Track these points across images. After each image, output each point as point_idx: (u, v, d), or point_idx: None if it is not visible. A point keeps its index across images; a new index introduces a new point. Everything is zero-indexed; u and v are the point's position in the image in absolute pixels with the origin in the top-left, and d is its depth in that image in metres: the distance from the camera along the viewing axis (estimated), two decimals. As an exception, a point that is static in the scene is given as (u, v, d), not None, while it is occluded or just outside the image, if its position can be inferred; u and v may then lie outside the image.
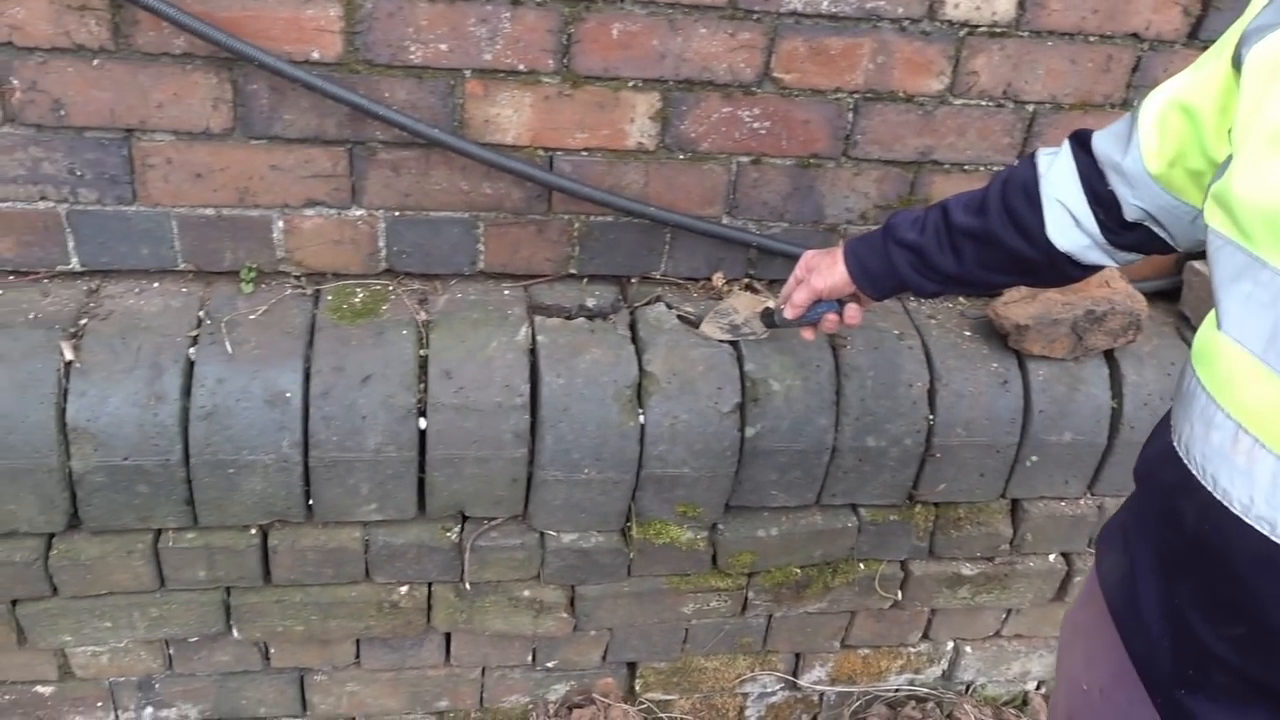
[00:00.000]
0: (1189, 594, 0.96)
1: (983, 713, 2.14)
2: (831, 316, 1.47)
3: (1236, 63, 0.90)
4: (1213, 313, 0.90)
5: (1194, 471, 0.91)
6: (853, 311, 1.46)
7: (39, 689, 1.81)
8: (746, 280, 1.85)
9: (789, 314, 1.49)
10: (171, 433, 1.55)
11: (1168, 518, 0.98)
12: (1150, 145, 1.04)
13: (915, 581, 1.96)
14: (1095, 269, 1.21)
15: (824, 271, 1.43)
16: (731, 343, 1.72)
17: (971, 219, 1.25)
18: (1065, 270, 1.21)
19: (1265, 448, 0.83)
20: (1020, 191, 1.20)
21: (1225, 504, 0.87)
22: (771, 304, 1.65)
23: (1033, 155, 1.22)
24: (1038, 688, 2.26)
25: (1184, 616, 0.97)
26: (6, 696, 1.80)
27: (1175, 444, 0.95)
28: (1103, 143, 1.12)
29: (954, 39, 1.65)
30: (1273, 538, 0.83)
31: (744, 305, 1.70)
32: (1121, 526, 1.13)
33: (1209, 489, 0.89)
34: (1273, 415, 0.82)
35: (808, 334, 1.55)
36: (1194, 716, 0.97)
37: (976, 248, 1.26)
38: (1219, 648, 0.93)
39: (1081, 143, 1.16)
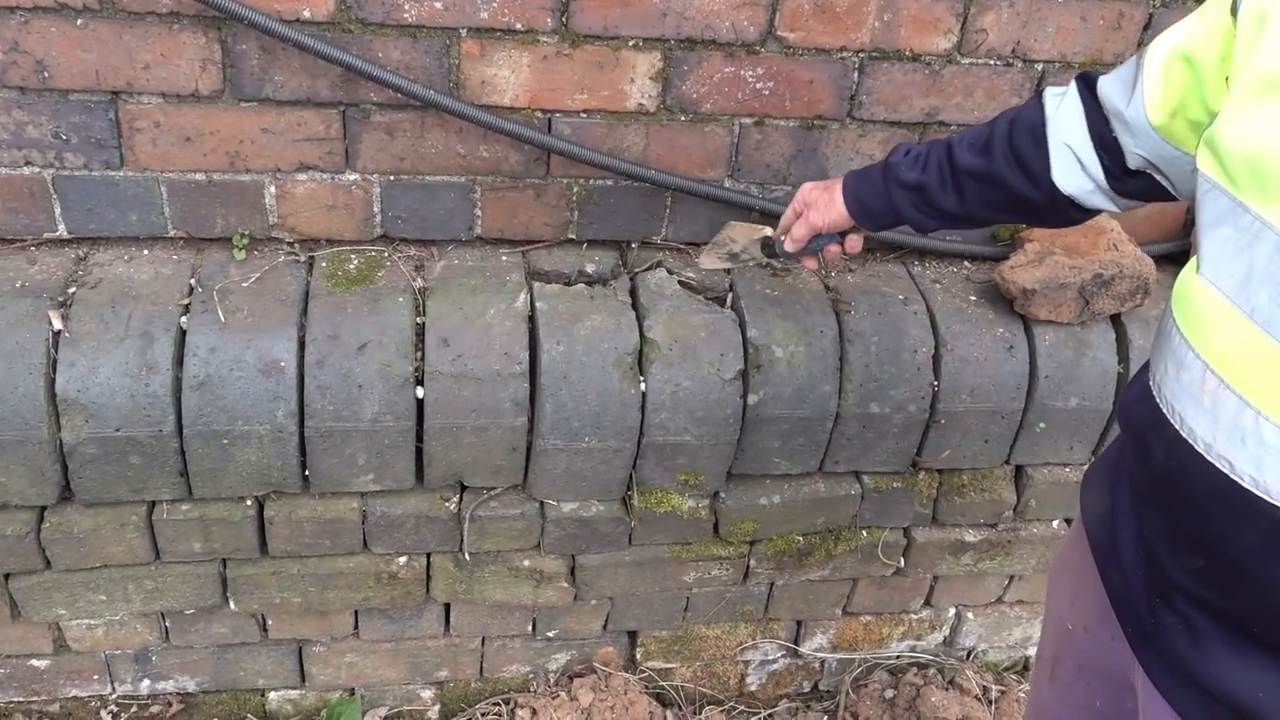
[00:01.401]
0: (1156, 527, 1.02)
1: (984, 679, 2.15)
2: (833, 248, 1.46)
3: (1234, 11, 0.92)
4: (1195, 257, 0.92)
5: (1164, 410, 0.94)
6: (854, 241, 1.46)
7: (34, 662, 1.81)
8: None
9: (789, 247, 1.49)
10: (164, 403, 1.53)
11: (1141, 454, 1.02)
12: (1154, 97, 1.04)
13: (918, 548, 1.96)
14: (1097, 213, 1.22)
15: (822, 208, 1.42)
16: (728, 270, 1.71)
17: (976, 159, 1.25)
18: (1067, 213, 1.21)
19: (1230, 388, 0.85)
20: (1027, 133, 1.20)
21: (1190, 442, 0.90)
22: (769, 232, 1.63)
23: (1040, 96, 1.21)
24: (1039, 653, 2.27)
25: (1152, 548, 1.02)
26: (2, 670, 1.80)
27: (1150, 383, 0.99)
28: (1108, 89, 1.12)
29: (962, -4, 1.63)
30: (1231, 475, 0.86)
31: (741, 234, 1.67)
32: (1106, 464, 1.18)
33: (1176, 427, 0.92)
34: (1239, 357, 0.85)
35: (809, 263, 1.54)
36: (1157, 636, 1.03)
37: (980, 188, 1.26)
38: (1181, 578, 0.98)
39: (1089, 85, 1.15)
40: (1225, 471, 0.86)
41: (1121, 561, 1.08)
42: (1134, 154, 1.10)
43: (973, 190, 1.27)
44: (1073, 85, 1.17)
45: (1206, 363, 0.88)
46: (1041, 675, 1.39)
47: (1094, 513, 1.17)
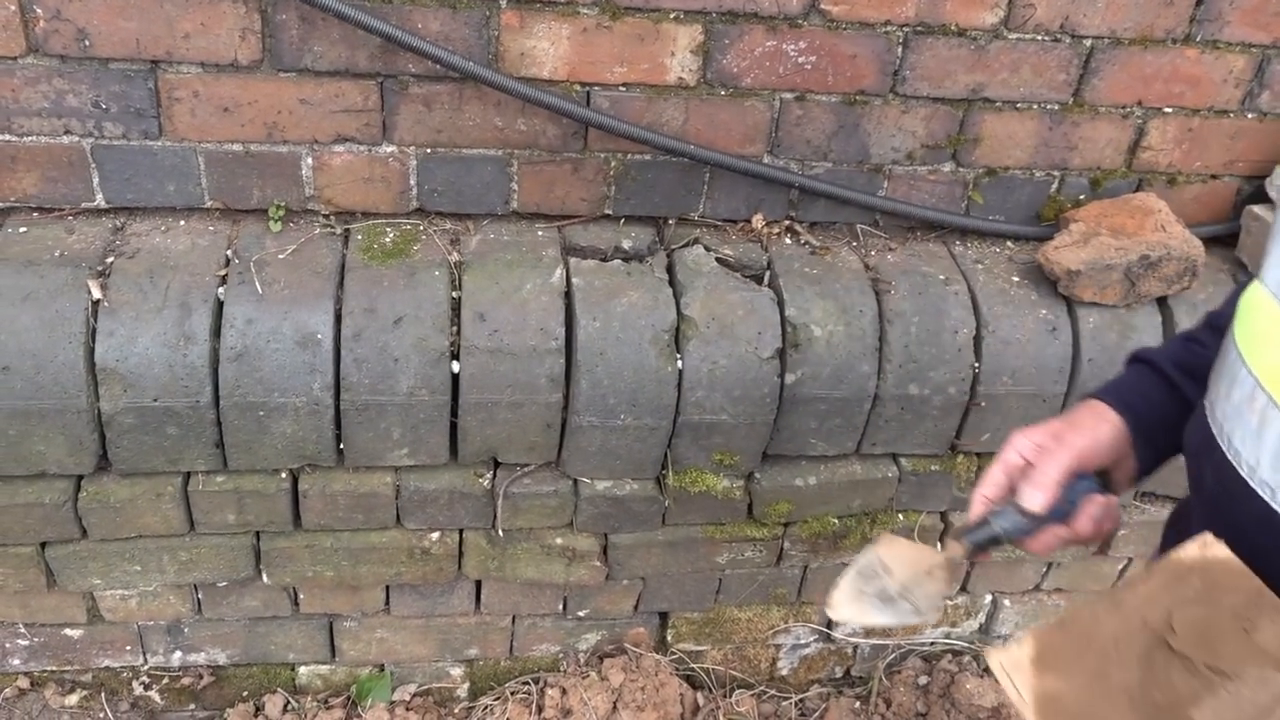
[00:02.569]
0: None
1: (1020, 667, 2.18)
2: (1098, 499, 1.05)
3: None
4: (1261, 265, 0.89)
5: (1214, 430, 0.90)
6: (1113, 506, 1.07)
7: (68, 631, 1.88)
8: (787, 222, 1.87)
9: (1040, 501, 1.01)
10: (201, 374, 1.58)
11: (1194, 481, 0.97)
12: None
13: (955, 533, 1.98)
14: None
15: (1083, 429, 1.07)
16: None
17: None
18: None
19: (1279, 408, 0.81)
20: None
21: (1235, 465, 0.86)
22: (958, 550, 1.11)
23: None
24: (1077, 643, 2.30)
25: None
26: (36, 638, 1.87)
27: (1205, 402, 0.94)
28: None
29: (1010, -31, 1.65)
30: (1273, 504, 0.81)
31: (901, 559, 1.14)
32: (1179, 507, 1.13)
33: (1223, 448, 0.88)
34: None
35: (1042, 544, 1.06)
36: None
37: None
38: None
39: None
40: (1267, 500, 0.82)
41: None
42: None
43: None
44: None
45: (1257, 379, 0.84)
46: None
47: (1160, 550, 1.11)
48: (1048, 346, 1.80)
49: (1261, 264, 0.88)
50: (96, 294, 1.58)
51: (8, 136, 1.60)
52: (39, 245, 1.63)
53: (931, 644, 2.22)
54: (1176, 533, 1.09)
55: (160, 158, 1.65)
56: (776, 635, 2.14)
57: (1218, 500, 0.90)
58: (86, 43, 1.53)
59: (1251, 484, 0.84)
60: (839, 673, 2.24)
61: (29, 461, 1.61)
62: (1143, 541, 2.08)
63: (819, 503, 1.89)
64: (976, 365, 1.78)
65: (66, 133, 1.61)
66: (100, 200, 1.69)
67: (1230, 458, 0.87)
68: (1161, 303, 1.85)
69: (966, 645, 2.23)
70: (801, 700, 2.19)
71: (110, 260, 1.63)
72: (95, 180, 1.66)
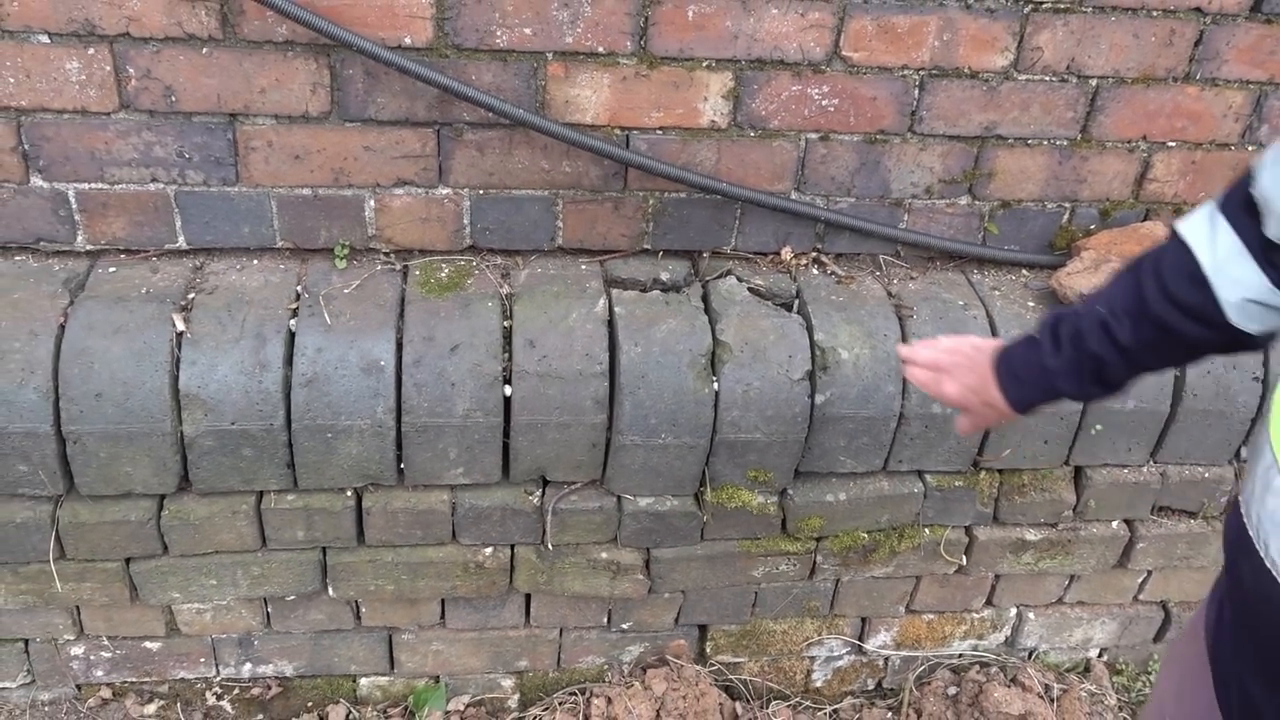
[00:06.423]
0: (1247, 655, 0.94)
1: (1046, 678, 2.25)
2: None
3: None
4: None
5: (1251, 533, 0.85)
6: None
7: (147, 644, 1.99)
8: (814, 253, 1.98)
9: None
10: (275, 399, 1.71)
11: (1232, 577, 0.94)
12: None
13: (980, 547, 2.07)
14: None
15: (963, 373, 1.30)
16: None
17: (1142, 331, 1.08)
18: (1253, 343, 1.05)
19: None
20: (1186, 281, 1.01)
21: (1274, 574, 0.80)
22: None
23: (1176, 236, 1.04)
24: (1100, 655, 2.37)
25: (1242, 676, 0.94)
26: (119, 651, 1.98)
27: (1240, 498, 0.90)
28: (1270, 184, 0.91)
29: (1018, 15, 1.76)
30: None
31: None
32: (1220, 581, 1.10)
33: (1261, 554, 0.83)
34: None
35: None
36: None
37: (1154, 355, 1.10)
38: (1267, 712, 0.91)
39: (1235, 203, 0.99)
40: None
41: (1227, 682, 1.01)
42: None
43: (1148, 359, 1.11)
44: (1216, 214, 1.00)
45: None
46: None
47: (1210, 623, 1.08)
48: (1063, 366, 1.89)
49: None
50: (180, 326, 1.71)
51: (101, 185, 1.74)
52: (127, 283, 1.77)
53: (959, 656, 2.29)
54: (1217, 612, 1.06)
55: (236, 202, 1.79)
56: (810, 647, 2.21)
57: (1259, 606, 0.86)
58: (173, 98, 1.68)
59: None
60: (871, 684, 2.31)
61: (117, 482, 1.74)
62: (1160, 555, 2.14)
63: (849, 518, 1.98)
64: (996, 385, 1.88)
65: (153, 180, 1.76)
66: (182, 242, 1.83)
67: (1269, 565, 0.82)
68: (1171, 324, 1.94)
69: (993, 657, 2.29)
70: (835, 711, 2.26)
71: (191, 296, 1.76)
72: (178, 224, 1.80)
